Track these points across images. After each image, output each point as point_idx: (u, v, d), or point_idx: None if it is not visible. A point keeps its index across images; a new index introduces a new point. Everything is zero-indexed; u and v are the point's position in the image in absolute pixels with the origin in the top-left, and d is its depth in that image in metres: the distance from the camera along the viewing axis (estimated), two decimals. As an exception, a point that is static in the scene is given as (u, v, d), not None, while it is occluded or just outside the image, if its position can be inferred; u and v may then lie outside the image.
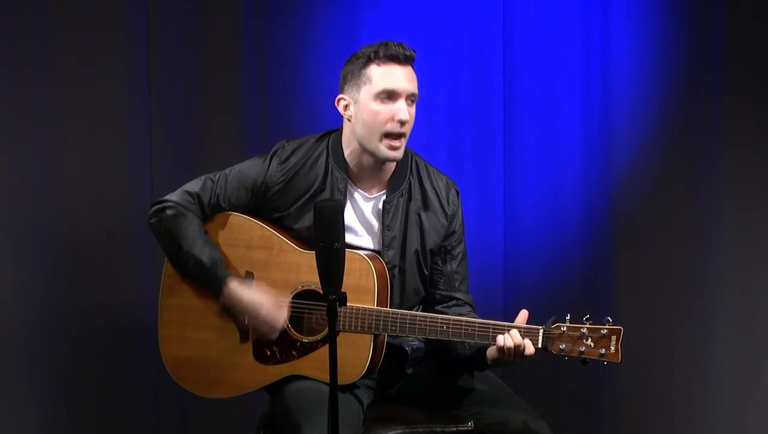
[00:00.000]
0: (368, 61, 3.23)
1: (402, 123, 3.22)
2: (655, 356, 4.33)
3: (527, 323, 3.17)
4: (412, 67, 3.27)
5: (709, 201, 4.32)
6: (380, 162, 3.29)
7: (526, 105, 4.33)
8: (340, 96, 3.30)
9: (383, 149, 3.24)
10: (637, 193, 4.33)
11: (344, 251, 2.83)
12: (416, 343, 3.35)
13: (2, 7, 3.93)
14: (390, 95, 3.22)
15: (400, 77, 3.22)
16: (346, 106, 3.29)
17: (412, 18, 4.24)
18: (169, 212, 3.30)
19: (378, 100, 3.22)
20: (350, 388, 3.23)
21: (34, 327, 4.01)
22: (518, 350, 3.11)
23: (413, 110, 3.27)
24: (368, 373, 3.22)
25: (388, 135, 3.23)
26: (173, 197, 3.33)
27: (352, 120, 3.28)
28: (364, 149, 3.27)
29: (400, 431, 3.27)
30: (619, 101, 4.30)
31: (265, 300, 3.25)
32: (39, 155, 4.00)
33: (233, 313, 3.29)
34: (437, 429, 3.30)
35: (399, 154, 3.26)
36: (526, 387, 4.21)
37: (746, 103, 4.29)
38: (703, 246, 4.32)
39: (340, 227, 2.81)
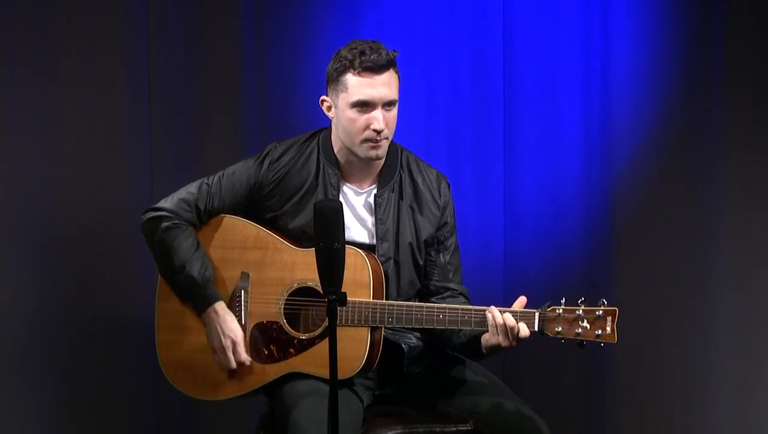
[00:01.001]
0: (345, 69, 3.23)
1: (378, 132, 3.23)
2: (656, 355, 4.32)
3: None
4: (394, 68, 3.25)
5: (709, 201, 4.31)
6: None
7: (526, 105, 4.32)
8: (323, 97, 3.32)
9: (364, 150, 3.26)
10: (637, 193, 4.32)
11: (344, 251, 2.83)
12: (413, 341, 3.36)
13: (2, 7, 3.93)
14: (365, 105, 3.22)
15: (375, 87, 3.21)
16: (329, 108, 3.31)
17: (412, 18, 4.24)
18: (164, 224, 3.31)
19: (354, 109, 3.23)
20: (350, 388, 3.24)
21: (34, 328, 4.01)
22: (512, 332, 3.11)
23: (392, 114, 3.26)
24: (366, 368, 3.22)
25: (367, 140, 3.25)
26: (168, 205, 3.33)
27: (335, 122, 3.31)
28: (347, 149, 3.30)
29: (399, 431, 3.27)
30: (619, 101, 4.30)
31: (239, 337, 3.27)
32: (39, 155, 4.00)
33: (207, 330, 3.30)
34: (437, 429, 3.30)
35: (381, 153, 3.27)
36: (526, 385, 4.21)
37: (746, 103, 4.29)
38: (703, 246, 4.32)
39: (341, 227, 2.81)
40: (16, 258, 4.01)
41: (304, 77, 4.20)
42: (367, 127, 3.23)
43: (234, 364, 3.27)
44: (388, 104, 3.24)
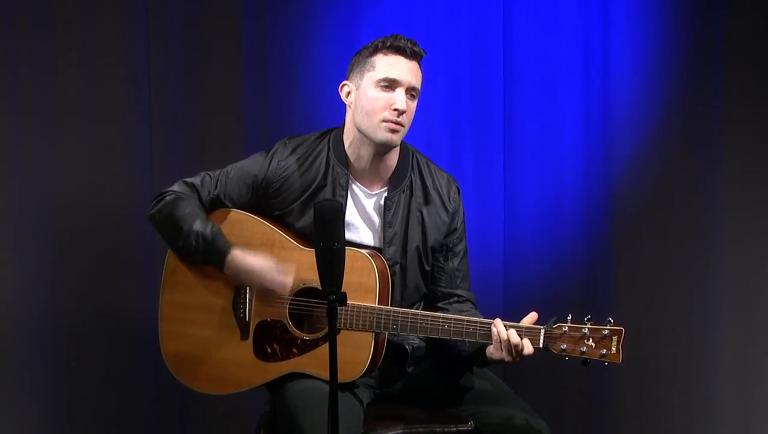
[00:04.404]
0: (375, 50, 3.28)
1: (398, 113, 3.24)
2: (655, 356, 4.33)
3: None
4: (419, 64, 3.30)
5: (709, 201, 4.32)
6: (380, 150, 3.30)
7: (526, 105, 4.33)
8: (344, 82, 3.34)
9: (381, 131, 3.26)
10: (637, 193, 4.33)
11: (344, 251, 2.83)
12: (417, 342, 3.36)
13: (2, 7, 3.93)
14: (390, 84, 3.25)
15: (403, 69, 3.26)
16: (348, 93, 3.32)
17: (412, 18, 4.24)
18: (168, 198, 3.33)
19: (378, 88, 3.26)
20: (350, 388, 3.24)
21: (34, 327, 4.01)
22: (516, 348, 3.12)
23: (413, 104, 3.29)
24: (369, 371, 3.23)
25: (386, 121, 3.25)
26: (172, 187, 3.37)
27: (353, 107, 3.31)
28: (363, 135, 3.29)
29: (400, 430, 3.27)
30: (619, 101, 4.30)
31: (270, 262, 3.26)
32: (39, 155, 4.00)
33: (241, 281, 3.29)
34: (437, 429, 3.30)
35: (397, 139, 3.27)
36: (526, 387, 4.21)
37: (746, 103, 4.29)
38: (703, 246, 4.32)
39: (341, 227, 2.81)
40: (16, 257, 4.00)
41: (304, 77, 4.20)
42: (389, 107, 3.24)
43: (289, 285, 3.24)
44: (411, 90, 3.28)
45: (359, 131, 3.29)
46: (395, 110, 3.24)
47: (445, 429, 3.30)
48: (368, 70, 3.27)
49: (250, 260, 3.27)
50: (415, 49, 3.28)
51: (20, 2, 3.96)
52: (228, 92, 4.16)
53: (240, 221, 3.34)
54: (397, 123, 3.25)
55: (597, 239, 4.34)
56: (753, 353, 4.33)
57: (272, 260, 3.26)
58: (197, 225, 3.28)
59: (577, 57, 4.31)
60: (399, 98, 3.24)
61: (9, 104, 3.97)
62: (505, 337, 3.12)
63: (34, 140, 3.99)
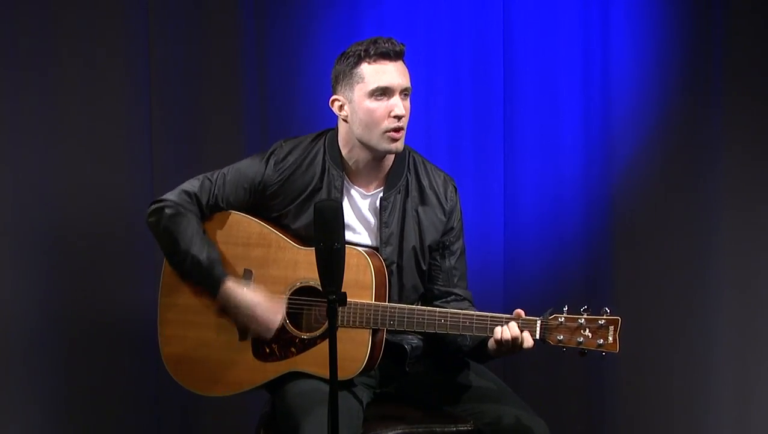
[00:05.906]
0: (359, 60, 3.23)
1: (399, 118, 3.22)
2: (655, 355, 4.33)
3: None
4: (403, 60, 3.27)
5: (709, 201, 4.32)
6: (380, 156, 3.29)
7: (526, 105, 4.33)
8: (334, 97, 3.30)
9: (384, 143, 3.24)
10: (637, 193, 4.33)
11: (344, 251, 2.82)
12: (415, 341, 3.36)
13: (2, 7, 3.93)
14: (384, 92, 3.22)
15: (393, 73, 3.22)
16: (341, 107, 3.29)
17: (412, 18, 4.24)
18: (167, 211, 3.30)
19: (372, 99, 3.22)
20: (350, 387, 3.23)
21: (33, 327, 4.01)
22: (516, 342, 3.12)
23: (408, 102, 3.27)
24: (367, 369, 3.22)
25: (388, 131, 3.23)
26: (171, 196, 3.33)
27: (349, 120, 3.28)
28: (364, 146, 3.28)
29: (399, 430, 3.27)
30: (619, 101, 4.30)
31: (260, 300, 3.25)
32: (39, 154, 4.00)
33: (229, 312, 3.29)
34: (437, 429, 3.29)
35: (400, 145, 3.26)
36: (526, 386, 4.21)
37: (746, 103, 4.29)
38: (703, 245, 4.32)
39: (340, 227, 2.81)
40: (16, 257, 4.00)
41: (304, 77, 4.20)
42: (388, 115, 3.22)
43: (274, 328, 3.23)
44: (405, 91, 3.25)
45: (361, 142, 3.28)
46: (395, 116, 3.22)
47: (445, 429, 3.29)
48: (357, 83, 3.23)
49: (241, 294, 3.26)
50: (397, 48, 3.23)
51: (20, 2, 3.96)
52: (228, 92, 4.16)
53: (237, 222, 3.34)
54: (399, 129, 3.23)
55: (597, 239, 4.34)
56: (752, 352, 4.33)
57: (263, 298, 3.26)
58: (195, 249, 3.26)
59: (577, 57, 4.31)
60: (396, 104, 3.22)
61: (9, 104, 3.97)
62: (508, 337, 3.11)
63: (33, 140, 3.99)
